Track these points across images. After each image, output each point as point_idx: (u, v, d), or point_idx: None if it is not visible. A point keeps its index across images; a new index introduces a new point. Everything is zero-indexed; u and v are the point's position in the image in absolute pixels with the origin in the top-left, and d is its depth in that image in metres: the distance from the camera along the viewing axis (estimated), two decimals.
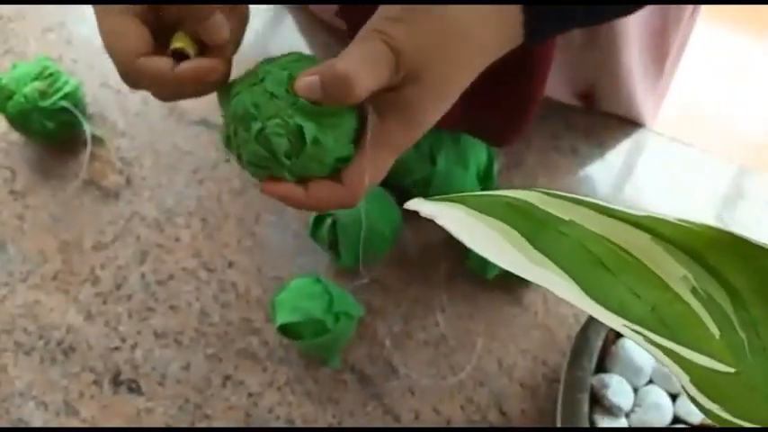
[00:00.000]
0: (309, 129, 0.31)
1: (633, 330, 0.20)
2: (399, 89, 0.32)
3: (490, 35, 0.32)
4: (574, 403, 0.43)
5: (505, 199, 0.22)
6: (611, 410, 0.45)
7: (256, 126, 0.32)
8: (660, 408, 0.45)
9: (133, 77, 0.34)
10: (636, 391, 0.46)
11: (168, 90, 0.35)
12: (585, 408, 0.44)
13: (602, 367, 0.46)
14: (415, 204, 0.18)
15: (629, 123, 0.63)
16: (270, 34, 0.67)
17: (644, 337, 0.20)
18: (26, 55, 0.64)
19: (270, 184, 0.33)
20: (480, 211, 0.21)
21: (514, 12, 0.31)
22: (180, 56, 0.33)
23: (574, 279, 0.22)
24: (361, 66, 0.30)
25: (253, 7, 0.70)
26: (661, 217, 0.24)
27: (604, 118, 0.62)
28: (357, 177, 0.33)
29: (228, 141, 0.34)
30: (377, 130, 0.33)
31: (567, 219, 0.23)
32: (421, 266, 0.57)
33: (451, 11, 0.31)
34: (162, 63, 0.33)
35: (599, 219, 0.24)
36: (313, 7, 0.66)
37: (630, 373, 0.46)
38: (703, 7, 0.58)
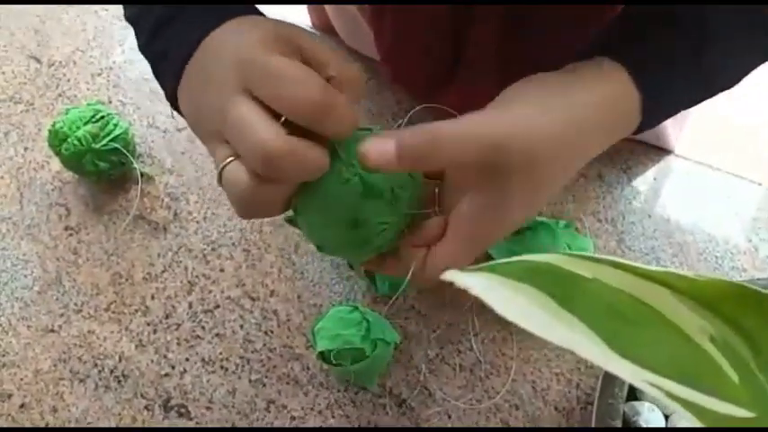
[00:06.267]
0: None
1: (653, 385, 0.21)
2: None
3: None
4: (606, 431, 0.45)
5: (531, 264, 0.23)
6: None
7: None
8: None
9: None
10: (667, 418, 0.47)
11: None
12: None
13: (633, 394, 0.47)
14: (450, 276, 0.20)
15: (654, 149, 0.63)
16: None
17: (664, 391, 0.21)
18: (77, 98, 0.67)
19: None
20: (509, 278, 0.22)
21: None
22: None
23: (597, 333, 0.24)
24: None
25: None
26: (678, 272, 0.25)
27: (630, 144, 0.63)
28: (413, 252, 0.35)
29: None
30: (457, 215, 0.34)
31: (590, 276, 0.25)
32: (453, 291, 0.58)
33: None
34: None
35: (619, 275, 0.25)
36: (348, 42, 0.68)
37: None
38: None
